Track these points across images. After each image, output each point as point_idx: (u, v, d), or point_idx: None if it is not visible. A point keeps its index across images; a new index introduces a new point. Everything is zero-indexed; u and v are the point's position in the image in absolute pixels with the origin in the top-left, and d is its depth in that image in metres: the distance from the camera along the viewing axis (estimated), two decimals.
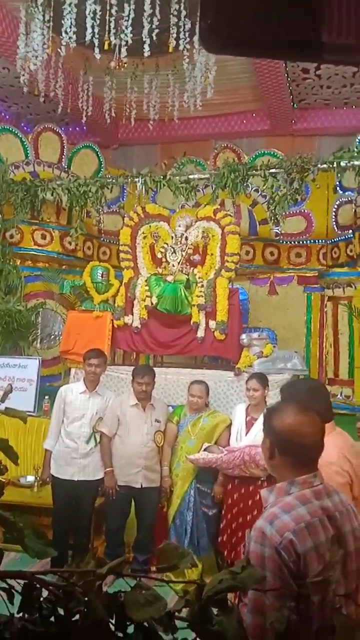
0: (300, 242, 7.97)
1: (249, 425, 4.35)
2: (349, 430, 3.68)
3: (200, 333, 5.55)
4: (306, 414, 1.65)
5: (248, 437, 4.25)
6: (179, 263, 5.86)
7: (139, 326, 5.71)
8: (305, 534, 1.43)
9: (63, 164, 7.99)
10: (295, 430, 1.61)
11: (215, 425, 4.50)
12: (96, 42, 5.51)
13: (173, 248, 5.91)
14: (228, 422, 4.53)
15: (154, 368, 5.79)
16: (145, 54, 5.62)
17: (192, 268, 5.87)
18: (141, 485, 4.38)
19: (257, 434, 4.10)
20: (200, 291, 5.57)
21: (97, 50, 5.58)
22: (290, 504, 1.52)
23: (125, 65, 6.05)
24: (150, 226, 6.08)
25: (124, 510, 4.48)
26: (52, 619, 0.74)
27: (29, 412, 5.92)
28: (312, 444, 1.62)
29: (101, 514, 4.75)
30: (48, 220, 7.45)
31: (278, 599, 1.32)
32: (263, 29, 0.82)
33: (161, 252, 5.99)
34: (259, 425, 4.16)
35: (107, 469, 4.41)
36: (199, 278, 5.70)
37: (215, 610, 0.73)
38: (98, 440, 4.51)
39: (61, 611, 0.74)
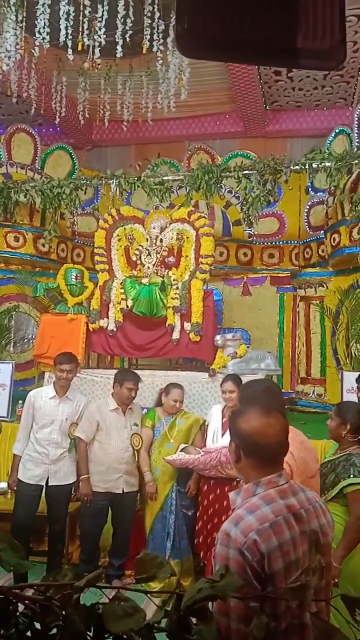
0: (273, 243, 8.05)
1: (225, 426, 4.33)
2: (321, 428, 3.73)
3: (176, 335, 5.56)
4: (271, 415, 1.66)
5: (225, 438, 4.25)
6: (153, 265, 5.85)
7: (115, 329, 5.68)
8: (269, 533, 1.45)
9: (36, 166, 7.90)
10: (260, 432, 1.61)
11: (190, 426, 4.50)
12: (69, 43, 5.48)
13: (148, 250, 5.90)
14: (201, 422, 4.55)
15: None
16: (119, 55, 5.61)
17: (166, 270, 5.86)
18: (123, 491, 4.30)
19: None
20: (175, 293, 5.56)
21: (70, 51, 5.54)
22: (255, 504, 1.53)
23: (99, 66, 6.03)
24: (125, 228, 6.06)
25: (102, 516, 4.40)
26: (29, 633, 0.73)
27: (2, 417, 5.83)
28: (277, 445, 1.63)
29: (75, 520, 4.69)
30: (21, 222, 7.35)
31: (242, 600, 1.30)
32: (239, 34, 0.82)
33: (136, 255, 5.97)
34: None
35: (84, 476, 4.30)
36: (174, 280, 5.69)
37: (194, 620, 0.73)
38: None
39: (38, 626, 0.72)
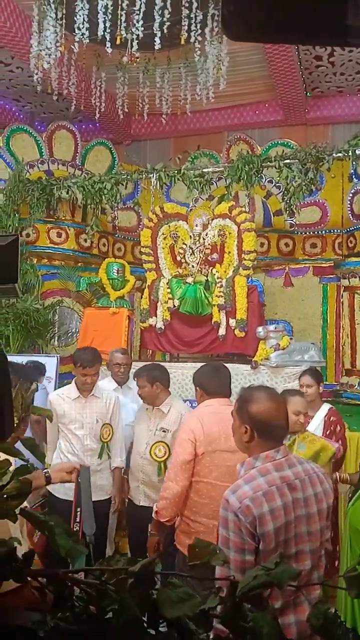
0: (316, 233, 7.89)
1: (326, 425, 4.00)
2: None
3: (222, 331, 5.64)
4: (277, 398, 1.94)
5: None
6: (197, 264, 5.91)
7: (163, 327, 5.80)
8: (261, 500, 1.71)
9: (77, 162, 7.99)
10: (271, 414, 1.86)
11: (317, 453, 3.35)
12: (108, 37, 5.50)
13: (191, 249, 5.95)
14: (332, 452, 3.42)
15: (171, 363, 5.81)
16: (157, 47, 5.59)
17: (210, 267, 5.89)
18: (139, 503, 3.83)
19: (315, 430, 3.82)
20: (220, 291, 5.63)
21: (108, 44, 5.57)
22: (252, 475, 1.80)
23: (138, 59, 6.03)
24: (169, 226, 6.11)
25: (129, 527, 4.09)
26: (84, 617, 0.74)
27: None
28: (283, 424, 1.89)
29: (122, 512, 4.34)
30: (63, 218, 7.46)
31: (239, 553, 1.67)
32: (287, 13, 0.80)
33: (180, 254, 6.02)
34: (316, 421, 3.96)
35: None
36: (218, 278, 5.74)
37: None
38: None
39: (93, 610, 0.74)
